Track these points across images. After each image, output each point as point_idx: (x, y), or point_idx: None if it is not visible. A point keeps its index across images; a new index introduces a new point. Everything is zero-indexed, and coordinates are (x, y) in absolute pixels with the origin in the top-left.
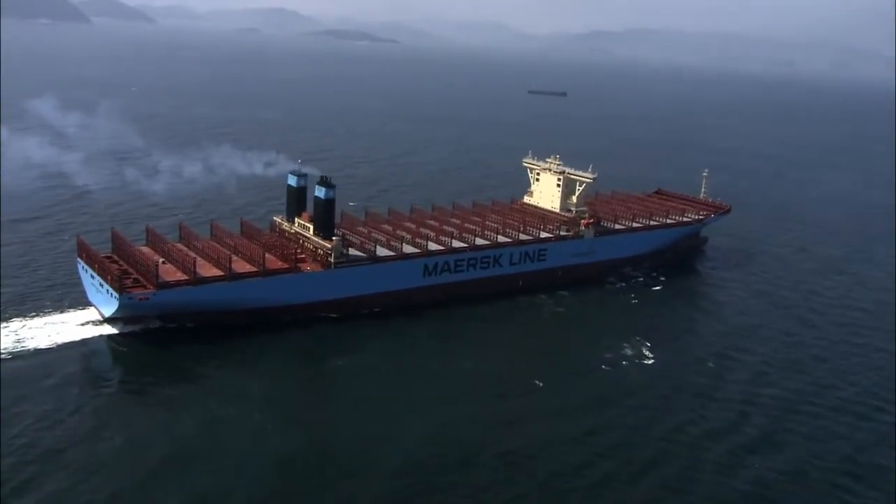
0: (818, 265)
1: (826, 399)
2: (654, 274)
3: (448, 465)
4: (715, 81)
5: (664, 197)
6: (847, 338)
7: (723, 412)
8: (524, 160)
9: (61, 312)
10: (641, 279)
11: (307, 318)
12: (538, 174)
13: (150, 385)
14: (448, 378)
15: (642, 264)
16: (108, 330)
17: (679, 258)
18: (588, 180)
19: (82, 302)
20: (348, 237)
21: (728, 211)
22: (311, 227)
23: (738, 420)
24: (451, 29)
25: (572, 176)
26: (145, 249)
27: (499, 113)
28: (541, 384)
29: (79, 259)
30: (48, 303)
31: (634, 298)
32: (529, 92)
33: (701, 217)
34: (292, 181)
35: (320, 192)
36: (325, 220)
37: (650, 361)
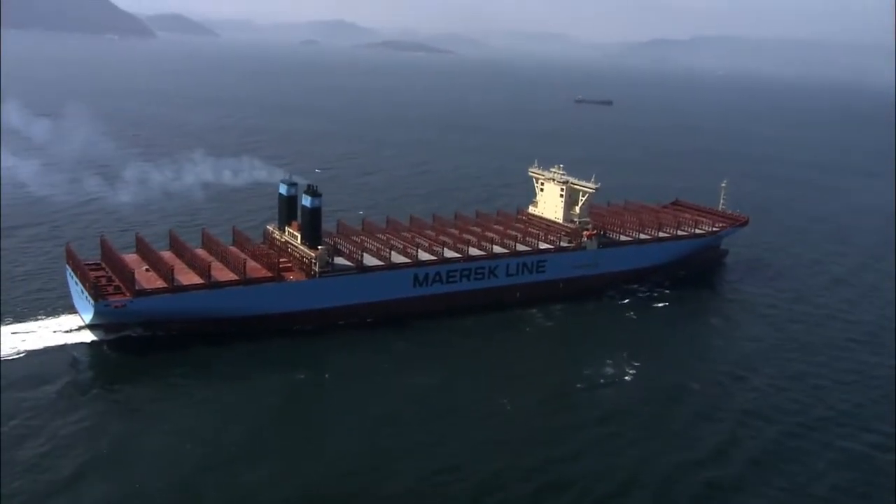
0: (845, 285)
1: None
2: (661, 288)
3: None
4: (785, 89)
5: (680, 208)
6: (862, 371)
7: (696, 445)
8: (530, 169)
9: (50, 318)
10: (646, 293)
11: (290, 328)
12: (542, 184)
13: (117, 392)
14: (400, 397)
15: (651, 277)
16: (89, 337)
17: (695, 272)
18: (591, 190)
19: (71, 308)
20: (339, 246)
21: (745, 223)
22: (300, 236)
23: (715, 460)
24: (512, 39)
25: (575, 186)
26: (132, 257)
27: (540, 122)
28: (508, 406)
29: (67, 265)
30: (40, 309)
31: (633, 314)
32: (576, 101)
33: (715, 229)
34: (283, 190)
35: (306, 200)
36: (311, 228)
37: (630, 385)
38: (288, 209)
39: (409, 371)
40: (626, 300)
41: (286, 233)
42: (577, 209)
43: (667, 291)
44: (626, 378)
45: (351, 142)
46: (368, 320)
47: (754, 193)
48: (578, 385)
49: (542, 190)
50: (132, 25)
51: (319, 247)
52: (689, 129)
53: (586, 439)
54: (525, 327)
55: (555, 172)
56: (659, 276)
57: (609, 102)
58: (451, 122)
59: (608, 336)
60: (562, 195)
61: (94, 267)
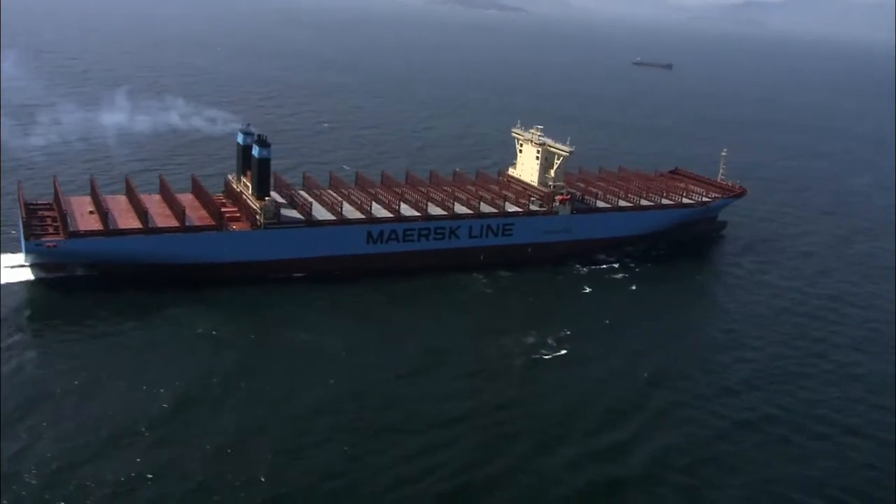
0: (838, 264)
1: None
2: (641, 259)
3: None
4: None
5: (678, 177)
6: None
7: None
8: (513, 130)
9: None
10: (618, 264)
11: (233, 277)
12: (522, 145)
13: (28, 331)
14: (295, 355)
15: (633, 247)
16: (27, 275)
17: (687, 242)
18: (565, 153)
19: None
20: (296, 198)
21: (741, 194)
22: (251, 186)
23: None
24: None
25: (551, 148)
26: (82, 199)
27: (587, 84)
28: (403, 378)
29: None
30: None
31: (589, 287)
32: (633, 63)
33: (706, 200)
34: (240, 139)
35: (255, 150)
36: (259, 179)
37: (542, 370)
38: (244, 159)
39: (318, 329)
40: (590, 269)
41: (241, 182)
42: (552, 172)
43: (645, 263)
44: (545, 357)
45: (375, 99)
46: (333, 274)
47: (787, 167)
48: (486, 363)
49: (520, 151)
50: None
51: (267, 198)
52: (739, 96)
53: (468, 428)
54: (461, 292)
55: (533, 133)
56: (643, 246)
57: (669, 66)
58: (496, 85)
59: (545, 309)
60: (538, 157)
61: (43, 207)
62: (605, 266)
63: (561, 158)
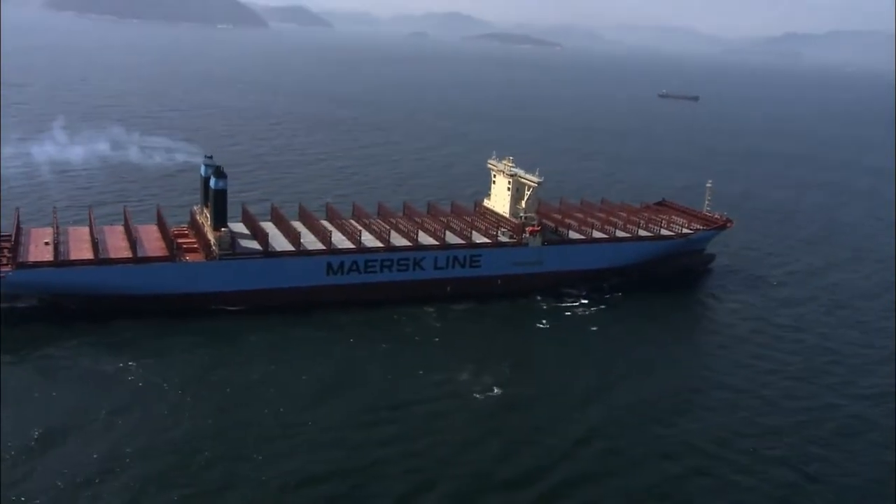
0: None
1: None
2: (605, 293)
3: None
4: None
5: (663, 208)
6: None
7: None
8: (489, 161)
9: None
10: (584, 298)
11: (188, 309)
12: (495, 176)
13: None
14: (210, 392)
15: (607, 280)
16: None
17: (669, 276)
18: (533, 184)
19: None
20: (259, 229)
21: (724, 226)
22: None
23: None
24: (630, 33)
25: (522, 179)
26: (44, 231)
27: (606, 118)
28: (309, 420)
29: None
30: None
31: (544, 320)
32: (659, 95)
33: (686, 232)
34: (202, 170)
35: (212, 182)
36: (216, 209)
37: (476, 405)
38: (206, 189)
39: (243, 361)
40: (553, 303)
41: (203, 213)
42: (523, 203)
43: (615, 298)
44: (475, 397)
45: (379, 131)
46: (273, 308)
47: (794, 201)
48: (396, 403)
49: (494, 182)
50: (246, 15)
51: (223, 229)
52: (763, 130)
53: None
54: (407, 326)
55: (505, 164)
56: (617, 280)
57: (695, 98)
58: (504, 116)
59: (491, 345)
60: (509, 188)
61: (5, 238)
62: (569, 301)
63: (531, 189)
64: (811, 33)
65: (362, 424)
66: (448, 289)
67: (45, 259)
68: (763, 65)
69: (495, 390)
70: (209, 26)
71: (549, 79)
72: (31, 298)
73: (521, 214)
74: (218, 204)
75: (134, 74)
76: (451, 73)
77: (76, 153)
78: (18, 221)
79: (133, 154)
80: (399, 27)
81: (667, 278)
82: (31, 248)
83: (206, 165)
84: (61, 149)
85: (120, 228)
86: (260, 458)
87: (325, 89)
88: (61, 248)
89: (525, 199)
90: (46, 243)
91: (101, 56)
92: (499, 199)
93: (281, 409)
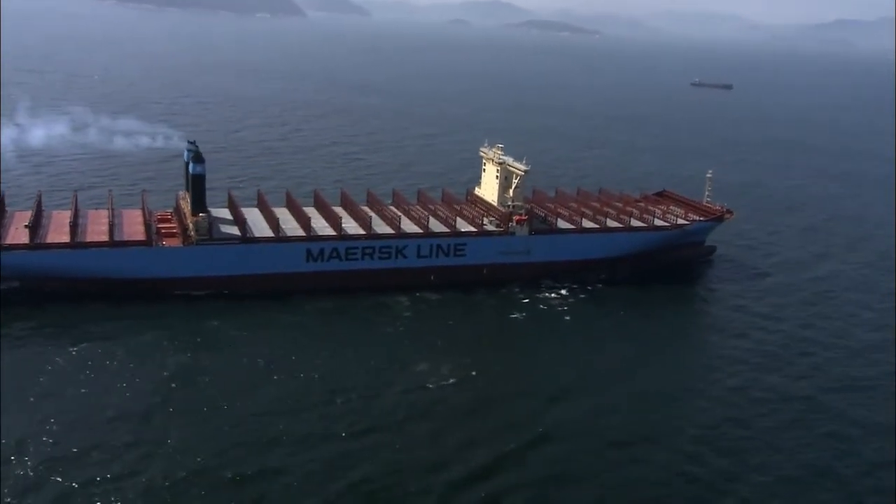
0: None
1: None
2: (591, 284)
3: None
4: None
5: (663, 199)
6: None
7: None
8: (481, 149)
9: None
10: (563, 290)
11: (166, 293)
12: (485, 164)
13: None
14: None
15: (597, 271)
16: None
17: (665, 268)
18: (521, 172)
19: None
20: (241, 215)
21: (721, 217)
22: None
23: None
24: (674, 20)
25: (510, 167)
26: (24, 214)
27: (637, 106)
28: (265, 406)
29: None
30: None
31: (519, 312)
32: (692, 84)
33: (682, 223)
34: (185, 155)
35: (191, 166)
36: (194, 194)
37: (428, 394)
38: (187, 174)
39: (215, 349)
40: (532, 294)
41: (185, 198)
42: (511, 192)
43: (599, 289)
44: (428, 387)
45: (394, 118)
46: (250, 293)
47: (810, 192)
48: (344, 393)
49: (484, 170)
50: (283, 5)
51: (201, 214)
52: (792, 118)
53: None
54: (375, 315)
55: (494, 152)
56: (607, 271)
57: (728, 86)
58: (528, 104)
59: (457, 335)
60: (497, 177)
61: None
62: (549, 292)
63: (518, 177)
64: (861, 20)
65: (287, 411)
66: (432, 277)
67: (21, 242)
68: (812, 52)
69: (451, 381)
70: (247, 16)
71: (580, 66)
72: (12, 281)
73: (509, 203)
74: (196, 189)
75: (158, 64)
76: (480, 62)
77: (87, 137)
78: (4, 204)
79: (135, 140)
80: (437, 16)
81: (661, 270)
82: (11, 230)
83: (188, 150)
84: (69, 132)
85: (105, 213)
86: (173, 444)
87: (351, 78)
88: (40, 232)
89: (513, 187)
90: (26, 226)
91: (132, 45)
92: (488, 188)
93: (208, 395)
